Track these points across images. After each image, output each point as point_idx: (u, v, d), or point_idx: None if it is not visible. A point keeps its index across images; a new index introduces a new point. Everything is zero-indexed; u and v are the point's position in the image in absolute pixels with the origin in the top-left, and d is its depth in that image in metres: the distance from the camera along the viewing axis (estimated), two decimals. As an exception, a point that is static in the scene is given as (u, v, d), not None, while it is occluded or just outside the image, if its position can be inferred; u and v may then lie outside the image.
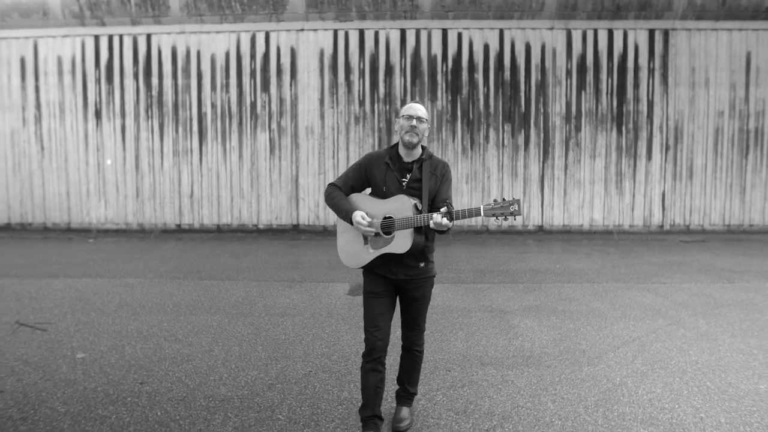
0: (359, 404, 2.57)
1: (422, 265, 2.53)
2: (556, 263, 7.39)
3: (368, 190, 2.63)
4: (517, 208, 2.30)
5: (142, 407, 2.82)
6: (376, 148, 2.37)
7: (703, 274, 6.53)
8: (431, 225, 2.32)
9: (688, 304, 5.00)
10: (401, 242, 2.41)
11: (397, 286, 2.54)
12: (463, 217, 2.31)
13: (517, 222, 10.99)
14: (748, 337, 3.98)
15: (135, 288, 5.76)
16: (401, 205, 2.42)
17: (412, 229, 2.39)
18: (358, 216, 2.45)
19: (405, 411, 2.67)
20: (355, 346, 3.81)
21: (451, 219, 2.30)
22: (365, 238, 2.51)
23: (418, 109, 2.52)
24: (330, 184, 2.66)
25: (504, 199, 2.30)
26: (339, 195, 2.56)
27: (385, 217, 2.46)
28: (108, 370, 3.34)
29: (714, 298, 5.21)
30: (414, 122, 2.46)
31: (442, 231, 2.35)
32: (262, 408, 2.81)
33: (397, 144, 2.58)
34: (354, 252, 2.54)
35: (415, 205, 2.42)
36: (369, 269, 2.54)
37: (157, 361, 3.50)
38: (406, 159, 2.53)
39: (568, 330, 4.18)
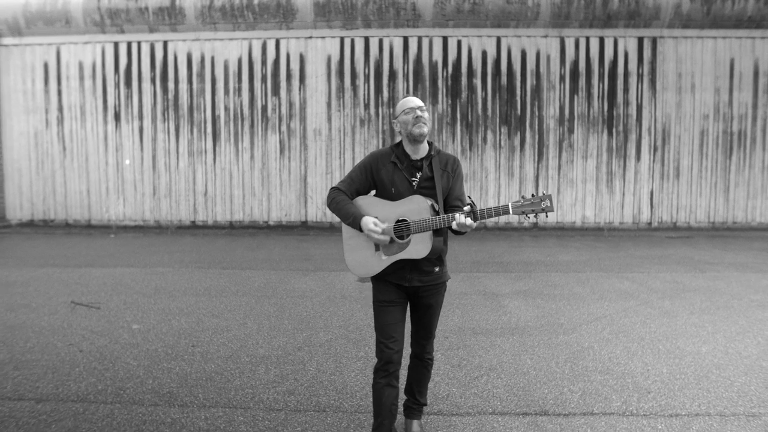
0: (371, 412, 2.54)
1: (437, 269, 2.34)
2: (547, 256, 8.04)
3: (372, 192, 2.44)
4: (549, 204, 2.09)
5: (198, 362, 3.48)
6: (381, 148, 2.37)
7: (680, 265, 7.18)
8: (454, 226, 2.14)
9: (659, 289, 5.66)
10: (419, 247, 2.21)
11: (410, 294, 2.36)
12: (489, 216, 2.11)
13: (513, 219, 11.65)
14: (704, 314, 4.63)
15: (166, 275, 6.43)
16: (416, 207, 2.22)
17: (430, 232, 2.21)
18: (369, 223, 2.23)
19: (416, 425, 2.54)
20: (367, 319, 4.47)
21: (475, 219, 2.13)
22: (376, 244, 2.31)
23: (416, 100, 2.33)
24: (333, 188, 2.42)
25: (533, 195, 2.10)
26: (344, 199, 2.34)
27: (398, 221, 2.26)
28: (162, 337, 4.00)
29: (683, 285, 5.87)
30: (418, 112, 2.28)
31: (462, 232, 2.18)
32: (296, 362, 3.47)
33: (401, 142, 2.39)
34: (364, 259, 2.33)
35: (432, 206, 2.22)
36: (380, 277, 2.35)
37: (201, 331, 4.17)
38: (414, 156, 2.33)
39: (550, 309, 4.84)
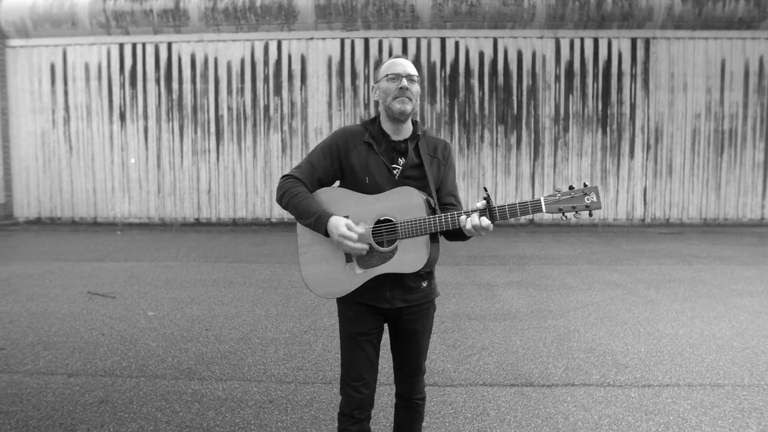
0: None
1: (425, 284, 1.84)
2: (542, 250, 8.33)
3: (336, 183, 1.85)
4: (595, 200, 1.58)
5: (213, 344, 3.76)
6: (349, 125, 1.83)
7: (668, 258, 7.47)
8: (466, 229, 1.62)
9: (645, 279, 5.95)
10: (411, 257, 1.68)
11: (390, 317, 1.82)
12: (513, 215, 1.60)
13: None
14: (686, 302, 4.92)
15: (175, 269, 6.71)
16: (406, 203, 1.68)
17: (427, 238, 1.68)
18: (341, 226, 1.65)
19: None
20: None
21: (493, 219, 1.60)
22: (348, 253, 1.73)
23: (407, 64, 1.76)
24: (285, 176, 1.79)
25: (572, 188, 1.60)
26: (302, 191, 1.74)
27: (378, 221, 1.71)
28: (177, 322, 4.28)
29: (670, 276, 6.15)
30: (404, 82, 1.72)
31: (465, 237, 1.71)
32: (303, 344, 3.76)
33: (377, 118, 1.82)
34: (330, 274, 1.75)
35: (428, 201, 1.71)
36: (351, 297, 1.77)
37: (212, 317, 4.45)
38: (396, 137, 1.79)
39: (541, 297, 5.13)
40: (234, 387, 3.00)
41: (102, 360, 3.41)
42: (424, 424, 2.00)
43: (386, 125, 1.79)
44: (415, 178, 1.77)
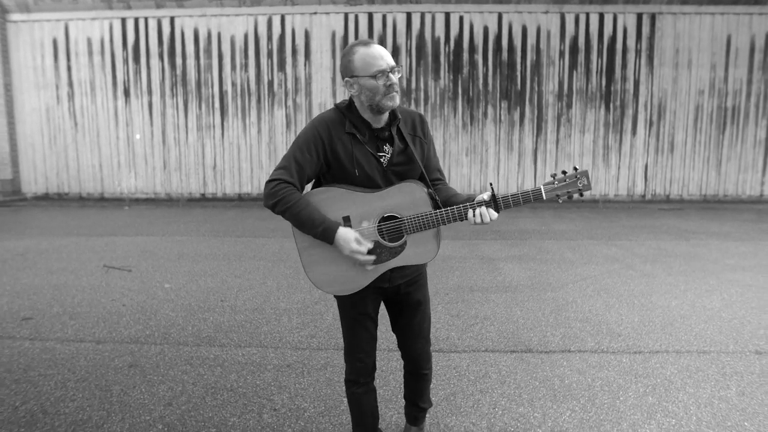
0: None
1: None
2: (543, 225, 8.50)
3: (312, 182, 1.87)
4: (586, 183, 1.74)
5: (229, 314, 3.98)
6: (324, 113, 1.78)
7: (666, 234, 7.64)
8: (473, 221, 1.70)
9: (643, 254, 6.13)
10: (421, 249, 1.78)
11: (390, 294, 1.91)
12: (516, 204, 1.70)
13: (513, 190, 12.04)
14: (680, 275, 5.11)
15: (186, 243, 6.91)
16: (409, 198, 1.74)
17: (436, 230, 1.78)
18: (351, 241, 1.69)
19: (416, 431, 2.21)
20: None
21: (497, 209, 1.71)
22: None
23: (386, 54, 1.70)
24: (274, 180, 1.70)
25: (565, 173, 1.73)
26: (300, 199, 1.70)
27: (383, 218, 1.76)
28: (192, 294, 4.49)
29: (666, 251, 6.34)
30: (393, 77, 1.68)
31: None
32: (314, 313, 3.97)
33: (351, 103, 1.78)
34: (341, 273, 1.79)
35: (430, 195, 1.77)
36: None
37: (226, 290, 4.65)
38: (377, 125, 1.77)
39: (541, 271, 5.32)
40: (252, 353, 3.21)
41: (126, 328, 3.63)
42: (431, 385, 2.21)
43: (366, 114, 1.75)
44: (403, 163, 1.79)
